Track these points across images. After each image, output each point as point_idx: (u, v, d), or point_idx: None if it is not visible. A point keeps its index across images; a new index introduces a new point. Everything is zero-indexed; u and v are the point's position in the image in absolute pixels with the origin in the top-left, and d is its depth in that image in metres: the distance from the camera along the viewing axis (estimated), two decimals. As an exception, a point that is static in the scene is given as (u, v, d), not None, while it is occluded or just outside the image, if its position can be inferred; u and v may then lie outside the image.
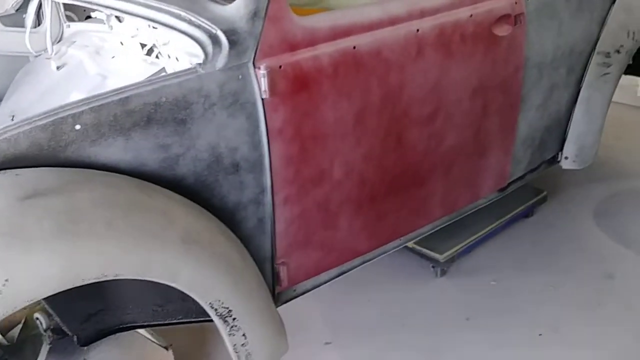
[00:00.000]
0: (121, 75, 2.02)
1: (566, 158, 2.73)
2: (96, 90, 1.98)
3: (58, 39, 2.35)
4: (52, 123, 1.44)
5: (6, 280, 1.21)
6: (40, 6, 2.33)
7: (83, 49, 2.24)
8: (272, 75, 1.65)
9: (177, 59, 1.88)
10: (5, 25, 2.35)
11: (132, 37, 2.10)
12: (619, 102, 3.90)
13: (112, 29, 2.18)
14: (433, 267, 2.66)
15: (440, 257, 2.61)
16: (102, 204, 1.38)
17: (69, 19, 2.38)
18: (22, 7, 2.35)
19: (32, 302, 1.26)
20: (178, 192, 1.60)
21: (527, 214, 2.99)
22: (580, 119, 2.66)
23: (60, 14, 2.34)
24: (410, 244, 2.54)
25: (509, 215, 2.85)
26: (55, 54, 2.30)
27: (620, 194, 3.21)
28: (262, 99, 1.66)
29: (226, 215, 1.71)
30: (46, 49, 2.32)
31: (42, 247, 1.25)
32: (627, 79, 3.49)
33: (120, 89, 1.53)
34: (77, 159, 1.47)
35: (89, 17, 2.39)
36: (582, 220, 3.00)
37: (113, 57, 2.16)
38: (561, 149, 2.73)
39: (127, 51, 2.12)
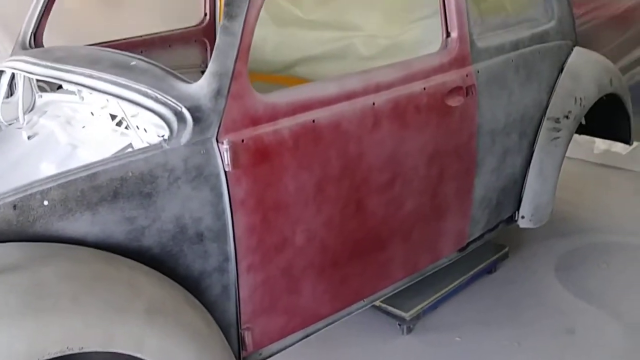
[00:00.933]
0: (91, 145, 2.07)
1: (523, 217, 2.82)
2: (67, 160, 2.03)
3: (30, 108, 2.39)
4: (20, 200, 1.49)
5: (-28, 357, 1.24)
6: (13, 77, 2.39)
7: (54, 119, 2.27)
8: (234, 149, 1.72)
9: (145, 129, 1.95)
10: (-22, 97, 2.38)
11: (102, 107, 2.15)
12: (577, 159, 4.05)
13: (83, 99, 2.23)
14: (399, 324, 2.69)
15: (406, 315, 2.65)
16: (68, 279, 1.42)
17: (41, 89, 2.42)
18: (-5, 80, 2.40)
19: (-2, 377, 1.29)
20: (144, 262, 1.64)
21: (490, 269, 3.05)
22: (534, 180, 2.77)
23: (32, 85, 2.38)
24: (376, 303, 2.57)
25: (471, 272, 2.91)
26: (27, 123, 2.32)
27: (580, 248, 3.27)
28: (225, 172, 1.73)
29: (191, 284, 1.75)
30: (18, 118, 2.37)
31: (8, 323, 1.28)
32: (584, 137, 3.65)
33: (88, 165, 1.59)
34: (45, 234, 1.52)
35: (60, 87, 2.44)
36: (543, 275, 3.05)
37: (84, 127, 2.20)
38: (518, 209, 2.82)
39: (98, 121, 2.17)
